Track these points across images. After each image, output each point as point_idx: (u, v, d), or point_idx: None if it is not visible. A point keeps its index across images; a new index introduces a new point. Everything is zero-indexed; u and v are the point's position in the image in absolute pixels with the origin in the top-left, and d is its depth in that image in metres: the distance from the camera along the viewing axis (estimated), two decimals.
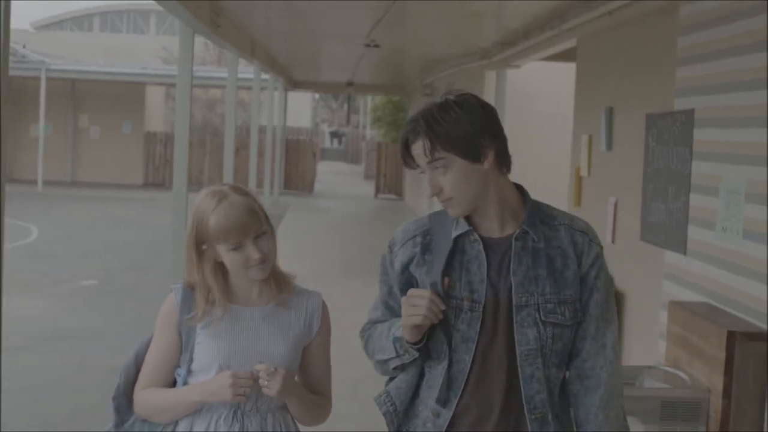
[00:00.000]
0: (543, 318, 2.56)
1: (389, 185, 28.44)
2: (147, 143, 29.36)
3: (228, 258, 2.74)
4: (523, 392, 2.56)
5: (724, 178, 5.11)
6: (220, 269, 2.79)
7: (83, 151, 29.10)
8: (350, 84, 23.28)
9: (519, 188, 2.68)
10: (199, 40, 10.75)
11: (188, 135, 9.36)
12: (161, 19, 52.90)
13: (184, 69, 9.31)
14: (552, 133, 13.46)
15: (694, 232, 5.53)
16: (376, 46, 12.68)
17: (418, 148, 2.57)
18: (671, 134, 5.95)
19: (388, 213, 23.68)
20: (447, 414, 2.59)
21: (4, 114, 4.19)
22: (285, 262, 2.92)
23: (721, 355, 4.47)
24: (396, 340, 2.59)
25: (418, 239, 2.65)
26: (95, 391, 7.07)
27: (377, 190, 28.46)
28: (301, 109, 43.17)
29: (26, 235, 16.71)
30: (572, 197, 8.71)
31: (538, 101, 14.36)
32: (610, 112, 7.58)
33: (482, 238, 2.60)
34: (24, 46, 27.23)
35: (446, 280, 2.55)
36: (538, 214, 2.63)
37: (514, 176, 2.66)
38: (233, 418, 2.75)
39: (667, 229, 5.99)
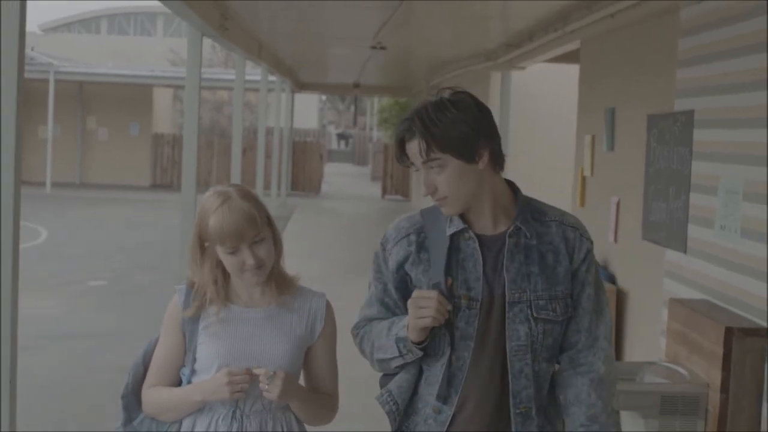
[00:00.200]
0: (535, 314, 2.58)
1: (396, 186, 28.38)
2: (155, 145, 29.36)
3: (225, 260, 2.75)
4: (510, 387, 2.57)
5: (722, 178, 5.16)
6: (221, 268, 2.80)
7: (91, 153, 29.13)
8: (357, 85, 23.24)
9: (510, 184, 2.68)
10: (207, 42, 10.81)
11: (197, 137, 9.41)
12: (168, 21, 52.94)
13: (193, 71, 9.37)
14: (556, 134, 13.53)
15: (693, 231, 5.58)
16: (383, 48, 12.66)
17: (414, 148, 2.56)
18: (672, 135, 6.00)
19: (395, 214, 23.65)
20: (448, 410, 2.60)
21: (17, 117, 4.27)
22: (292, 263, 2.92)
23: (720, 351, 4.54)
24: (399, 340, 2.59)
25: (413, 237, 2.65)
26: (104, 390, 7.12)
27: (384, 191, 28.39)
28: (308, 111, 43.12)
29: (35, 236, 16.77)
30: (577, 197, 8.76)
31: (543, 102, 14.41)
32: (612, 113, 7.63)
33: (477, 236, 2.61)
34: (32, 49, 27.24)
35: (449, 279, 2.56)
36: (530, 210, 2.64)
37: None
38: (232, 418, 2.76)
39: (667, 228, 6.04)
